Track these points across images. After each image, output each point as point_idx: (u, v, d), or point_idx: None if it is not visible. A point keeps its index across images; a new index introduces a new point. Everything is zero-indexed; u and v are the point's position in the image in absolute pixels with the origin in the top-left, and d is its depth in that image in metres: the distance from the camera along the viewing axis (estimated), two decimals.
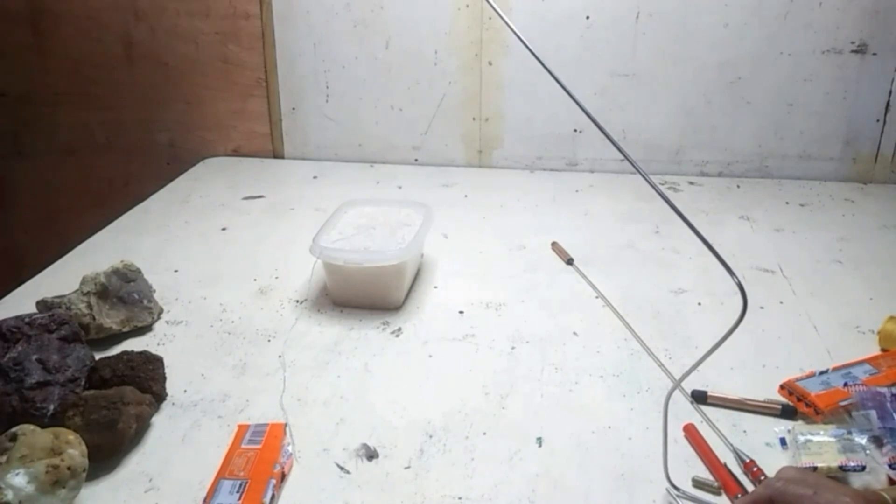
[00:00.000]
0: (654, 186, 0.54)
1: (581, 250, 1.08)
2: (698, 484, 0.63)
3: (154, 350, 0.79)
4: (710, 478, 0.64)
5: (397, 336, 0.87)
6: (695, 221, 0.53)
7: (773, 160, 1.38)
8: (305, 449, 0.68)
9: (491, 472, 0.65)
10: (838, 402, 0.69)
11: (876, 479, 0.62)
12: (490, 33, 1.35)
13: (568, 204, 1.26)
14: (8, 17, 1.45)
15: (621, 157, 0.55)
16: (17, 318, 0.74)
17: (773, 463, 0.65)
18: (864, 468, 0.62)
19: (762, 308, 0.90)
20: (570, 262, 0.78)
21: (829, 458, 0.62)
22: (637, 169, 0.53)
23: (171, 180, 1.38)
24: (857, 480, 0.62)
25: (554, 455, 0.68)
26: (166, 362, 0.77)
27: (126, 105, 1.49)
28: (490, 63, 1.37)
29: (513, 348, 0.84)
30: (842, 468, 0.62)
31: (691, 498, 0.61)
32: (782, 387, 0.74)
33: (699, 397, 0.74)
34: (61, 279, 0.95)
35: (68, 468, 0.59)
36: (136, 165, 1.53)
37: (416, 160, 1.47)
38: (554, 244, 0.82)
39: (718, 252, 0.50)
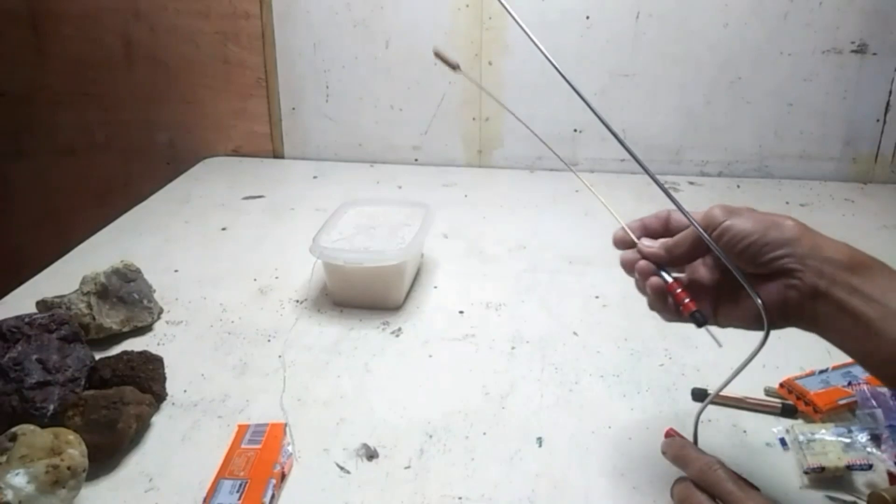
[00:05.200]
0: (664, 190, 0.54)
1: (581, 250, 1.08)
2: None
3: (154, 350, 0.78)
4: None
5: (397, 336, 0.87)
6: None
7: (773, 160, 1.38)
8: (305, 449, 0.68)
9: (491, 472, 0.65)
10: (837, 401, 0.69)
11: (879, 477, 0.62)
12: (490, 33, 1.35)
13: (568, 204, 1.26)
14: (8, 17, 1.45)
15: (622, 157, 0.56)
16: (17, 318, 0.74)
17: (773, 463, 0.65)
18: (871, 467, 0.62)
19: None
20: (455, 67, 0.70)
21: (835, 458, 0.62)
22: (648, 171, 0.53)
23: (171, 180, 1.38)
24: (862, 479, 0.63)
25: (554, 455, 0.68)
26: (166, 362, 0.77)
27: (126, 105, 1.49)
28: (490, 63, 1.37)
29: (513, 348, 0.84)
30: (849, 467, 0.62)
31: None
32: (781, 385, 0.74)
33: (699, 396, 0.74)
34: (61, 279, 0.95)
35: (68, 468, 0.59)
36: (136, 165, 1.53)
37: (416, 160, 1.47)
38: (436, 52, 0.71)
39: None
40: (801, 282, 0.50)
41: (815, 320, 0.51)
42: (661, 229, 0.60)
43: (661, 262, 0.57)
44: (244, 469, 0.63)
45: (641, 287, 0.58)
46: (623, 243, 0.61)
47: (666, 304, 0.57)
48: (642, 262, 0.57)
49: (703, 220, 0.54)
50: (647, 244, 0.58)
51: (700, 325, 0.54)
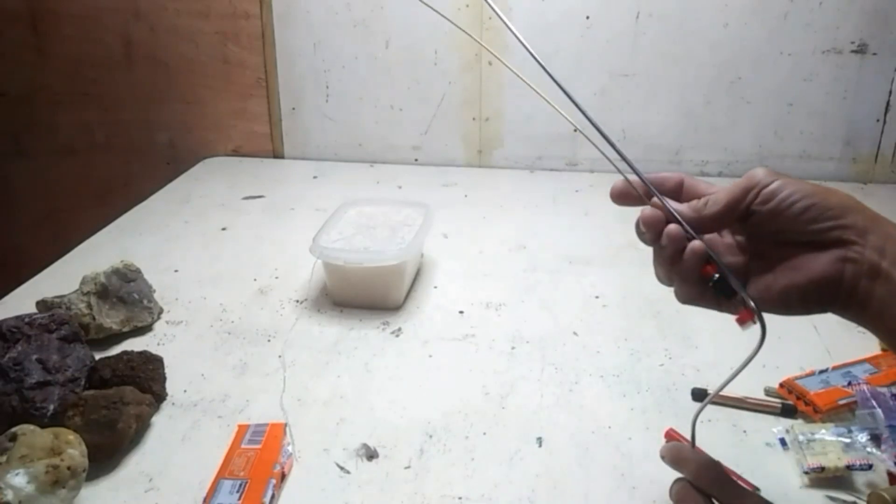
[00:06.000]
0: (652, 189, 0.53)
1: (581, 250, 1.08)
2: None
3: (154, 350, 0.79)
4: None
5: (397, 336, 0.87)
6: None
7: (773, 160, 1.38)
8: (305, 449, 0.68)
9: (491, 472, 0.65)
10: (837, 401, 0.69)
11: (879, 477, 0.62)
12: (490, 33, 1.35)
13: (568, 204, 1.26)
14: (8, 17, 1.45)
15: (622, 157, 0.55)
16: (17, 318, 0.74)
17: (773, 463, 0.65)
18: (871, 467, 0.62)
19: None
20: None
21: (835, 458, 0.62)
22: (637, 172, 0.53)
23: (171, 180, 1.38)
24: (862, 479, 0.63)
25: (554, 455, 0.68)
26: (166, 362, 0.77)
27: (126, 105, 1.49)
28: (490, 63, 1.37)
29: (513, 348, 0.84)
30: (849, 467, 0.62)
31: None
32: (781, 385, 0.74)
33: (699, 395, 0.74)
34: (61, 279, 0.95)
35: (68, 468, 0.59)
36: (136, 165, 1.53)
37: (416, 160, 1.47)
38: None
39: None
40: (859, 255, 0.45)
41: (867, 303, 0.45)
42: (670, 193, 0.52)
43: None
44: (244, 469, 0.63)
45: (667, 256, 0.50)
46: (624, 197, 0.53)
47: (699, 274, 0.49)
48: (672, 227, 0.49)
49: (744, 181, 0.48)
50: (668, 201, 0.50)
51: (728, 296, 0.49)
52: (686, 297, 0.51)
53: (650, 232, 0.50)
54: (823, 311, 0.47)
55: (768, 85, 1.33)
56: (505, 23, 0.50)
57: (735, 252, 0.51)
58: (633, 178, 0.52)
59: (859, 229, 0.45)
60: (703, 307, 0.51)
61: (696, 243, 0.48)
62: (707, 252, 0.48)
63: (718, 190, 0.49)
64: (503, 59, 0.51)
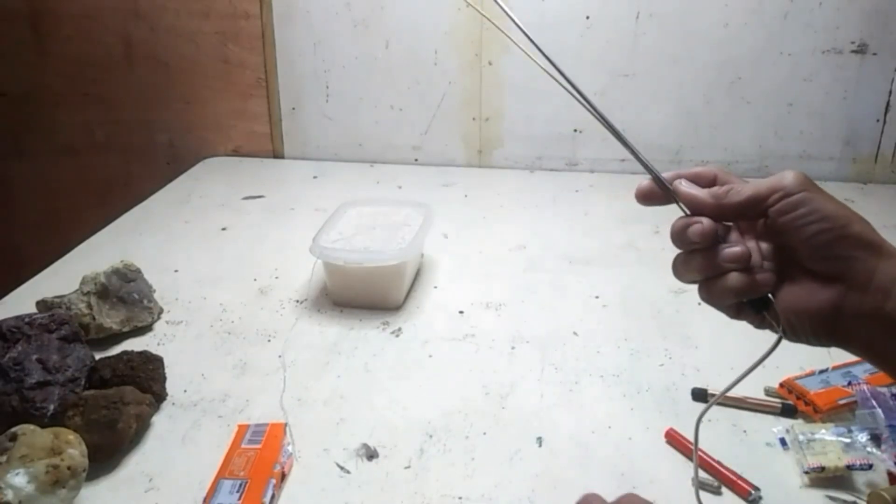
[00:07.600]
0: (664, 184, 0.53)
1: (581, 250, 1.08)
2: (700, 485, 0.63)
3: (154, 350, 0.79)
4: (709, 477, 0.64)
5: (397, 336, 0.87)
6: None
7: (773, 160, 1.38)
8: (305, 449, 0.68)
9: (491, 472, 0.65)
10: (837, 401, 0.69)
11: (879, 477, 0.62)
12: (490, 33, 1.35)
13: (568, 204, 1.26)
14: (8, 16, 1.45)
15: (622, 157, 0.55)
16: (17, 318, 0.74)
17: (773, 463, 0.65)
18: (871, 467, 0.62)
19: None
20: None
21: (835, 458, 0.62)
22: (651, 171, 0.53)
23: (171, 180, 1.38)
24: (862, 479, 0.63)
25: (554, 455, 0.68)
26: (166, 362, 0.77)
27: (126, 105, 1.49)
28: (490, 63, 1.37)
29: (513, 348, 0.84)
30: (849, 467, 0.62)
31: None
32: (781, 385, 0.74)
33: (699, 395, 0.74)
34: (61, 279, 0.95)
35: (68, 468, 0.59)
36: (136, 165, 1.53)
37: (416, 160, 1.47)
38: None
39: None
40: (858, 302, 0.42)
41: (870, 345, 0.43)
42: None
43: (703, 214, 0.46)
44: (244, 469, 0.63)
45: (705, 265, 0.47)
46: (650, 197, 0.51)
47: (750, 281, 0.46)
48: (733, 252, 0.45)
49: (772, 181, 0.44)
50: (688, 188, 0.48)
51: (758, 311, 0.47)
52: (712, 302, 0.49)
53: (703, 243, 0.46)
54: (822, 344, 0.45)
55: (768, 85, 1.33)
56: (514, 20, 0.50)
57: (758, 258, 0.47)
58: (651, 175, 0.51)
59: (867, 270, 0.42)
60: (720, 311, 0.49)
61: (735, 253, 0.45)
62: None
63: (748, 183, 0.46)
64: (529, 54, 0.49)
